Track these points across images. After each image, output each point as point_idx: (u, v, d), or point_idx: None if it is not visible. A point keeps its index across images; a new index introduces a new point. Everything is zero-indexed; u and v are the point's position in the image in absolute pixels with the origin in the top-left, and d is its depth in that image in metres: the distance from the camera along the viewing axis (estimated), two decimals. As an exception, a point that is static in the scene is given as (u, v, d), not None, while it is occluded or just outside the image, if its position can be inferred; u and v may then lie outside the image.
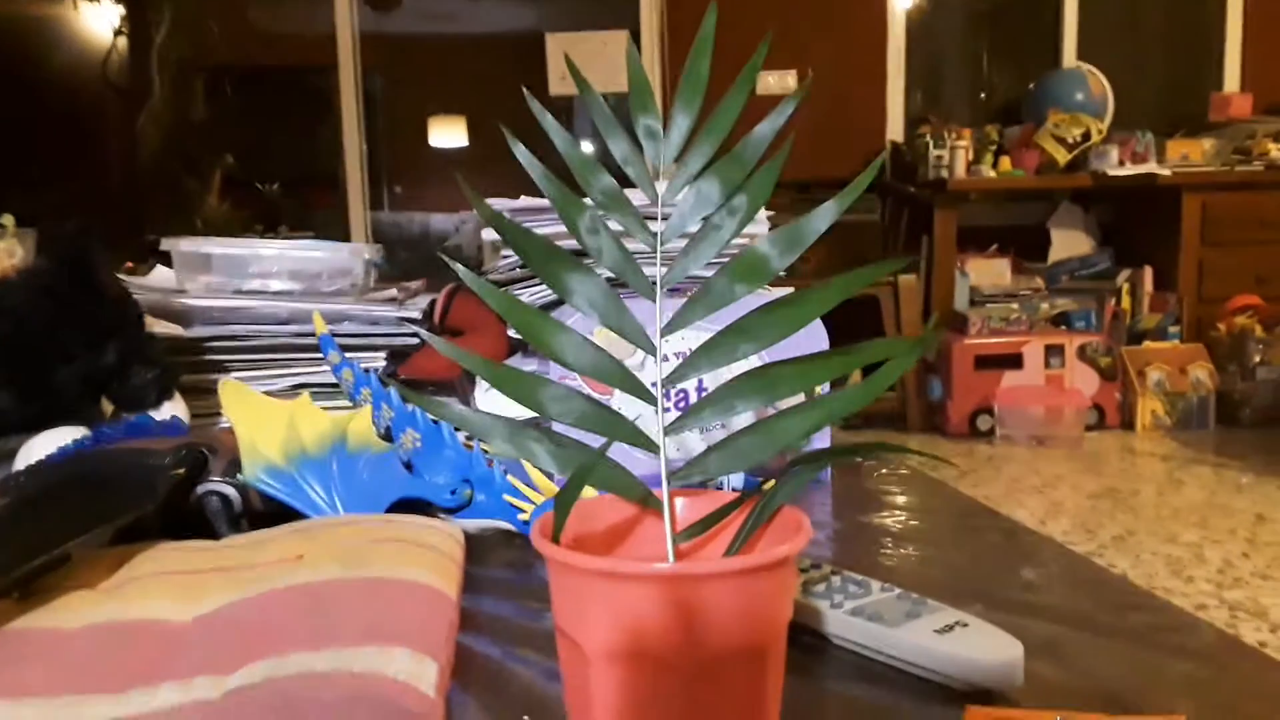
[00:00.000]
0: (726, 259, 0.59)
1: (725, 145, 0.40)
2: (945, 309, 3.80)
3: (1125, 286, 3.88)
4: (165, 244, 0.85)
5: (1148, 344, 3.67)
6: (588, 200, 0.40)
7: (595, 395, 0.41)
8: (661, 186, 0.40)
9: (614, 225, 0.46)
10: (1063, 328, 3.76)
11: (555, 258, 0.38)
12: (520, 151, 0.40)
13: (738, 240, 0.78)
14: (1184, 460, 3.17)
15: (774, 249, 0.38)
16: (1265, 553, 2.31)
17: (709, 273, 0.77)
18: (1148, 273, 3.86)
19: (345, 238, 4.35)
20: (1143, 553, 2.33)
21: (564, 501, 0.32)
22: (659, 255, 0.39)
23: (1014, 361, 3.53)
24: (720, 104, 0.39)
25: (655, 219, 0.40)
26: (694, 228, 0.40)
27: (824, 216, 0.37)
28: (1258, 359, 3.53)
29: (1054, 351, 3.53)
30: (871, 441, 0.34)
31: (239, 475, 0.57)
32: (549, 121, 0.40)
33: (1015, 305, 3.72)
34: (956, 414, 3.55)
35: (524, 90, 0.42)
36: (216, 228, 4.05)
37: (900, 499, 0.71)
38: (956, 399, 3.55)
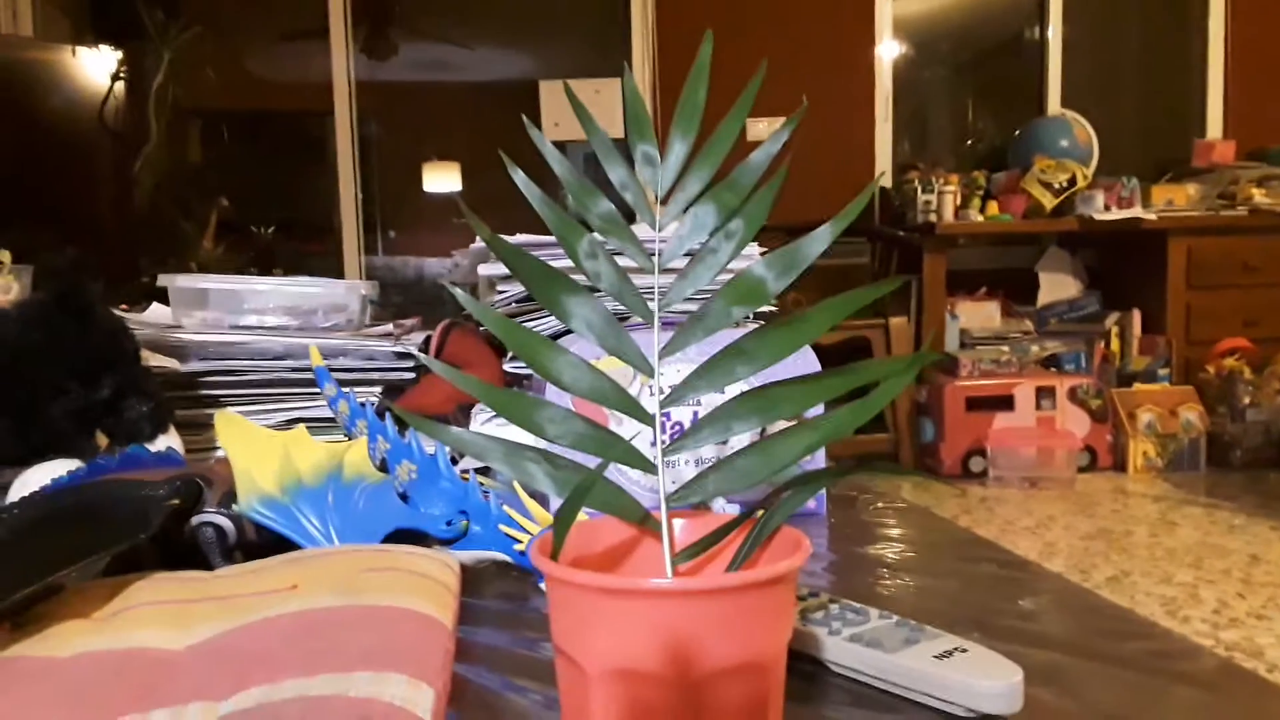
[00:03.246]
0: (723, 283, 0.59)
1: (721, 173, 0.41)
2: (936, 350, 3.82)
3: (1114, 329, 3.91)
4: (161, 280, 0.86)
5: (1138, 386, 3.69)
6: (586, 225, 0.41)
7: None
8: (659, 211, 0.41)
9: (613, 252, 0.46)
10: (1053, 370, 3.78)
11: (553, 280, 0.39)
12: (519, 177, 0.40)
13: (734, 264, 0.79)
14: (1176, 501, 3.17)
15: (770, 272, 0.38)
16: (1260, 593, 2.30)
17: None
18: (1136, 315, 3.89)
19: (339, 281, 4.36)
20: (1137, 593, 2.32)
21: (563, 519, 0.32)
22: (656, 278, 0.39)
23: (1005, 403, 3.54)
24: (717, 130, 0.40)
25: (652, 244, 0.41)
26: (691, 252, 0.40)
27: (820, 240, 0.37)
28: (1247, 401, 3.55)
29: (1045, 393, 3.55)
30: (868, 462, 0.35)
31: (234, 506, 0.56)
32: (548, 149, 0.40)
33: (1005, 347, 3.74)
34: (949, 455, 3.55)
35: (523, 118, 0.42)
36: (211, 271, 4.05)
37: (896, 531, 0.71)
38: (949, 440, 3.55)
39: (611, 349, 0.39)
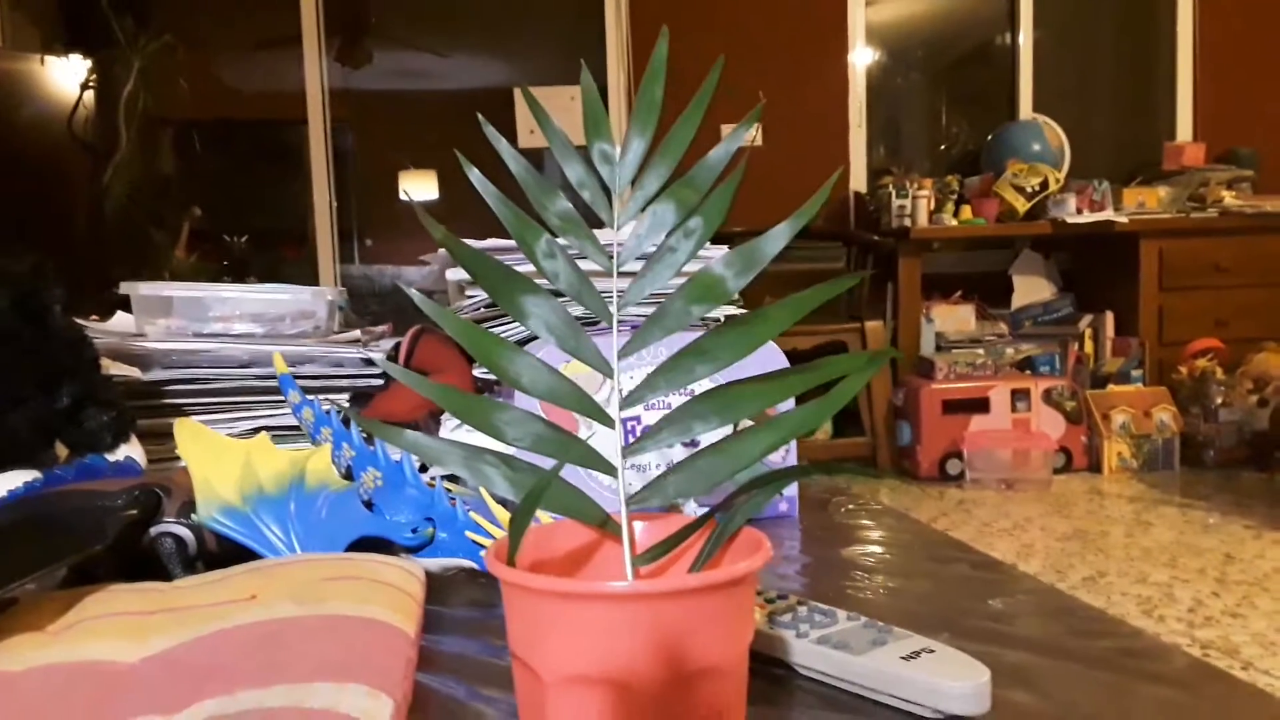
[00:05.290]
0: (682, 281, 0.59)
1: (680, 172, 0.40)
2: (912, 354, 3.84)
3: (1087, 331, 3.94)
4: (124, 287, 0.84)
5: (1112, 388, 3.72)
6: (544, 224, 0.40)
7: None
8: (618, 208, 0.40)
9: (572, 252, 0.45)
10: (1027, 372, 3.80)
11: (512, 281, 0.38)
12: (474, 175, 0.40)
13: (693, 265, 0.78)
14: (1151, 501, 3.19)
15: (729, 270, 0.38)
16: (1235, 591, 2.32)
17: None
18: (1109, 317, 3.93)
19: (314, 291, 4.33)
20: (1113, 593, 2.33)
21: (517, 522, 0.31)
22: (615, 278, 0.38)
23: (981, 406, 3.56)
24: (674, 126, 0.39)
25: (611, 245, 0.40)
26: (650, 250, 0.40)
27: (778, 238, 0.37)
28: (1220, 401, 3.58)
29: (1020, 396, 3.57)
30: (828, 463, 0.34)
31: (193, 516, 0.55)
32: (504, 146, 0.40)
33: (980, 350, 3.77)
34: (926, 458, 3.57)
35: (478, 116, 0.42)
36: (184, 280, 4.01)
37: (870, 533, 0.71)
38: (925, 443, 3.56)
39: (570, 350, 0.38)
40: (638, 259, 0.68)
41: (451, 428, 0.81)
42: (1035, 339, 3.97)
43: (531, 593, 0.30)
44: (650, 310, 0.78)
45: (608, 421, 0.38)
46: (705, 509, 0.64)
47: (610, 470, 0.37)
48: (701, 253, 0.70)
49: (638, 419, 0.72)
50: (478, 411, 0.38)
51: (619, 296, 0.39)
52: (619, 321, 0.39)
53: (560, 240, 0.40)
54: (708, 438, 0.64)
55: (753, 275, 0.38)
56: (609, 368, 0.38)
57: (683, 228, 0.39)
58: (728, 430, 0.58)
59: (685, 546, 0.37)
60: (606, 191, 0.40)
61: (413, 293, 0.39)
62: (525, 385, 0.38)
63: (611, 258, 0.39)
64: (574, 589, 0.29)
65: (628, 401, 0.37)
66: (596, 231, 0.50)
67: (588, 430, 0.71)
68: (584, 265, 0.66)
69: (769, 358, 0.72)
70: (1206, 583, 2.39)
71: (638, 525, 0.38)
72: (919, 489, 3.48)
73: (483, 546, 0.57)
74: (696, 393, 0.68)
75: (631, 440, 0.73)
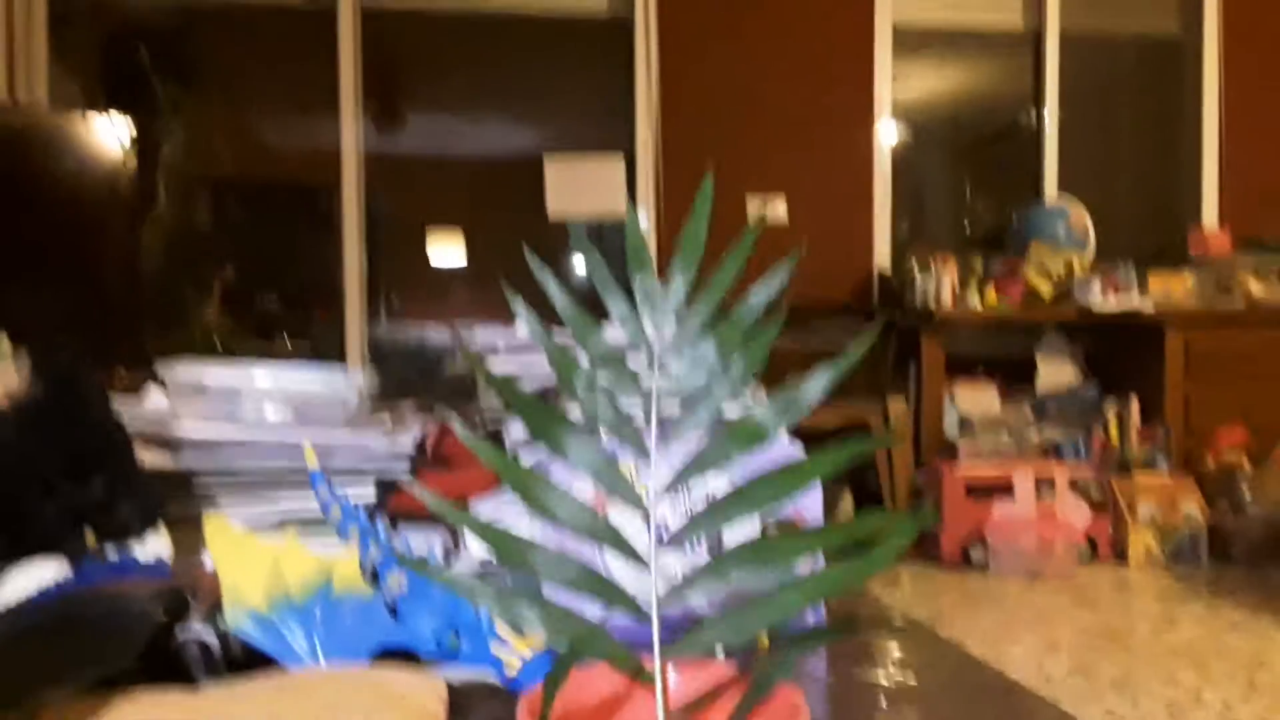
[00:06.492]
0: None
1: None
2: (934, 437, 3.81)
3: (1113, 417, 3.90)
4: (160, 370, 0.86)
5: (1138, 476, 3.67)
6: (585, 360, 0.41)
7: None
8: (657, 338, 0.41)
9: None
10: (1052, 458, 3.76)
11: (552, 421, 0.38)
12: (520, 310, 0.40)
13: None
14: (1179, 596, 3.12)
15: (770, 415, 0.38)
16: (1265, 696, 2.25)
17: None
18: (1134, 403, 3.89)
19: (342, 350, 4.37)
20: (1141, 696, 2.27)
21: (553, 683, 0.31)
22: (654, 419, 0.39)
23: (1005, 490, 3.51)
24: (718, 269, 0.40)
25: (651, 379, 0.41)
26: (691, 388, 0.40)
27: (818, 387, 0.37)
28: (1247, 494, 3.52)
29: (1045, 483, 3.52)
30: (869, 623, 0.34)
31: (220, 620, 0.55)
32: (550, 284, 0.41)
33: (1005, 434, 3.73)
34: (949, 543, 3.51)
35: (524, 247, 0.43)
36: (214, 337, 4.07)
37: (895, 653, 0.70)
38: (949, 528, 3.51)
39: (608, 488, 0.39)
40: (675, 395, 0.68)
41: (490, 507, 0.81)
42: (1060, 423, 3.93)
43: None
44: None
45: (643, 566, 0.37)
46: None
47: (644, 617, 0.36)
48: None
49: (664, 522, 0.72)
50: (510, 547, 0.38)
51: (656, 439, 0.39)
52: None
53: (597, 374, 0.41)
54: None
55: (795, 420, 0.38)
56: (645, 507, 0.38)
57: (723, 367, 0.39)
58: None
59: (720, 698, 0.37)
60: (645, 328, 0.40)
61: (456, 426, 0.40)
62: (562, 521, 0.38)
63: (650, 398, 0.39)
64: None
65: (668, 544, 0.37)
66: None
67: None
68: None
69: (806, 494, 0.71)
70: (1236, 686, 2.32)
71: (671, 673, 0.38)
72: (941, 575, 3.42)
73: (506, 663, 0.57)
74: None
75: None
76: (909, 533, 0.33)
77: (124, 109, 4.06)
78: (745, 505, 0.38)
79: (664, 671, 0.36)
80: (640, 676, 0.36)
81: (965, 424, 3.87)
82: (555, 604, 0.36)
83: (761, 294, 0.41)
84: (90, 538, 0.70)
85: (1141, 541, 3.53)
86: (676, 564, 0.67)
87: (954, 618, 2.90)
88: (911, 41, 4.53)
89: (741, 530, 0.67)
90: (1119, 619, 2.88)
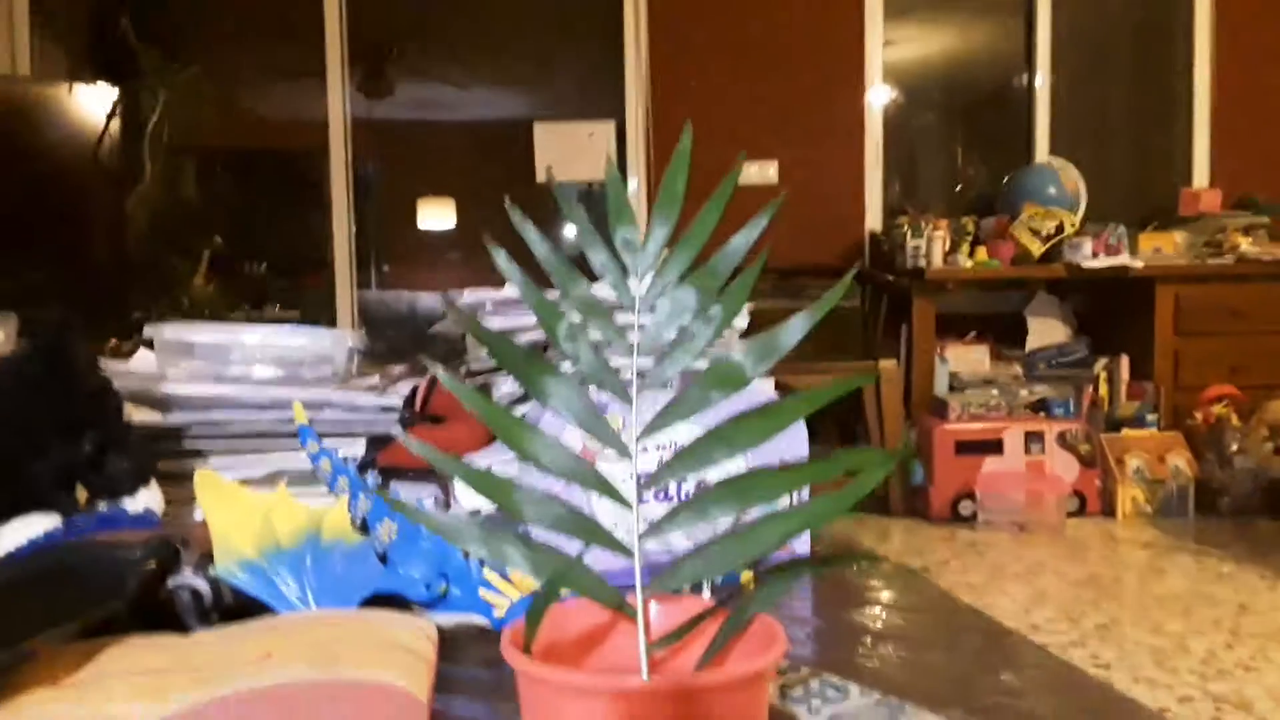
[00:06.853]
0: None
1: (703, 253, 0.41)
2: (925, 395, 3.83)
3: (1102, 374, 3.92)
4: (148, 330, 0.86)
5: (1126, 431, 3.70)
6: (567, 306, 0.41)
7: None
8: (638, 286, 0.41)
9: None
10: (1041, 414, 3.79)
11: (532, 363, 0.39)
12: (500, 257, 0.41)
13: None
14: (1165, 548, 3.16)
15: (748, 359, 0.39)
16: (1249, 644, 2.29)
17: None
18: (1124, 361, 3.91)
19: (332, 317, 4.36)
20: (1126, 643, 2.31)
21: (535, 614, 0.32)
22: (635, 365, 0.39)
23: (995, 447, 3.54)
24: (697, 216, 0.40)
25: (632, 324, 0.41)
26: (670, 335, 0.41)
27: (796, 330, 0.38)
28: (1235, 448, 3.56)
29: (1034, 438, 3.55)
30: (848, 555, 0.35)
31: (211, 569, 0.56)
32: (530, 233, 0.41)
33: (995, 392, 3.75)
34: (938, 499, 3.55)
35: (506, 201, 0.43)
36: (203, 307, 4.05)
37: (882, 594, 0.71)
38: (938, 484, 3.55)
39: (589, 431, 0.39)
40: (657, 342, 0.68)
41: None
42: (1049, 381, 3.95)
43: (548, 685, 0.31)
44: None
45: (626, 504, 0.38)
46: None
47: (626, 553, 0.37)
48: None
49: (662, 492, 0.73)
50: (495, 489, 0.38)
51: (639, 380, 0.39)
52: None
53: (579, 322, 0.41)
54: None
55: (771, 363, 0.38)
56: (627, 450, 0.39)
57: (703, 314, 0.40)
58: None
59: (699, 631, 0.37)
60: (627, 276, 0.41)
61: (438, 369, 0.40)
62: (545, 465, 0.39)
63: (631, 343, 0.40)
64: (588, 684, 0.30)
65: (648, 484, 0.38)
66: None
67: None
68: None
69: (792, 436, 0.72)
70: (1220, 634, 2.36)
71: (652, 608, 0.39)
72: (931, 529, 3.46)
73: (495, 606, 0.58)
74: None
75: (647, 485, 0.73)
76: (887, 464, 0.34)
77: (108, 78, 4.01)
78: (725, 447, 0.38)
79: (646, 606, 0.37)
80: (622, 609, 0.37)
81: (956, 383, 3.89)
82: (538, 541, 0.37)
83: (740, 240, 0.41)
84: (82, 495, 0.71)
85: (1129, 495, 3.57)
86: (662, 511, 0.68)
87: (943, 570, 2.94)
88: (902, 3, 4.49)
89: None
90: (1106, 570, 2.92)
